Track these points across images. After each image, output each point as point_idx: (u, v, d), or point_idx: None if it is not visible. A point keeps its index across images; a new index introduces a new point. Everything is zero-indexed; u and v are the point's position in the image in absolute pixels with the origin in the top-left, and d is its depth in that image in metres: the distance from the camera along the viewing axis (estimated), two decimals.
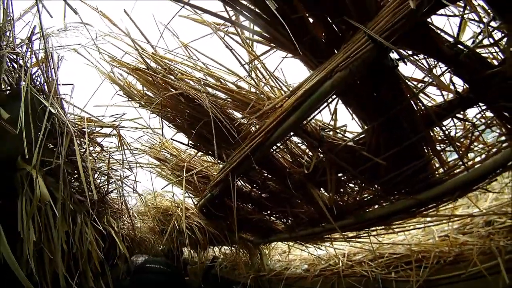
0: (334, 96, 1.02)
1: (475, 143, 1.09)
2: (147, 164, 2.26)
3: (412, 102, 0.98)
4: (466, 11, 0.87)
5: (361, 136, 1.16)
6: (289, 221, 1.86)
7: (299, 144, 1.37)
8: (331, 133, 1.22)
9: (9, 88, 1.39)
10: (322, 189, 1.44)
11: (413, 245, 1.51)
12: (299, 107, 0.99)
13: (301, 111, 0.99)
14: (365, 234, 1.55)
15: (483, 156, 1.06)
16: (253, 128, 1.34)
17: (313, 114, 1.08)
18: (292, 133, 1.20)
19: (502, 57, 0.90)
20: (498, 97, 0.91)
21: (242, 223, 1.95)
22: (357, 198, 1.40)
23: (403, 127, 1.02)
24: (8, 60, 1.37)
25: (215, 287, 3.19)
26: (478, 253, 1.15)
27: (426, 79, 0.98)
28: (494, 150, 1.04)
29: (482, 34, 0.88)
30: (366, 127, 1.12)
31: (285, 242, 2.29)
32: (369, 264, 1.59)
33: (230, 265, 3.00)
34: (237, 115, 1.41)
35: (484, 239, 1.22)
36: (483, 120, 1.04)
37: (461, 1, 0.84)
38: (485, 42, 0.89)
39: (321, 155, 1.26)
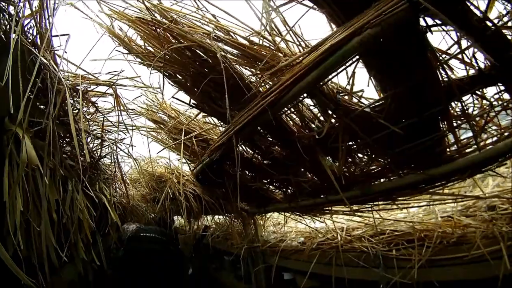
0: (357, 57, 0.95)
1: (490, 124, 1.07)
2: (143, 127, 2.16)
3: (437, 72, 0.93)
4: None
5: (378, 103, 1.09)
6: (290, 190, 1.80)
7: (311, 107, 1.28)
8: (346, 97, 1.14)
9: None
10: (329, 157, 1.36)
11: (416, 223, 1.48)
12: (321, 63, 0.90)
13: (323, 68, 0.91)
14: (368, 208, 1.50)
15: (495, 138, 1.05)
16: (262, 89, 1.25)
17: (333, 74, 1.00)
18: (306, 94, 1.12)
19: None
20: None
21: (239, 191, 1.88)
22: (365, 170, 1.35)
23: (423, 97, 0.98)
24: None
25: (206, 257, 3.17)
26: (481, 236, 1.15)
27: (451, 51, 0.93)
28: (506, 133, 1.03)
29: (508, 15, 0.86)
30: (384, 94, 1.06)
31: (282, 213, 2.23)
32: (369, 240, 1.56)
33: (222, 235, 2.96)
34: (246, 73, 1.30)
35: (487, 223, 1.21)
36: (500, 102, 1.01)
37: None
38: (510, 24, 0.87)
39: (334, 120, 1.19)
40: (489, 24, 0.81)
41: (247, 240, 2.33)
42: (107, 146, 1.92)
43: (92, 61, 1.46)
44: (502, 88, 0.97)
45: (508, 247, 1.03)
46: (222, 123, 1.67)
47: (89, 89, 1.56)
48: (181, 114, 1.99)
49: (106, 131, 1.85)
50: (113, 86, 1.57)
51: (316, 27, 1.08)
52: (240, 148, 1.54)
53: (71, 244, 1.37)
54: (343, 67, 0.97)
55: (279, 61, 1.11)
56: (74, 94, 1.41)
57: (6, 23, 1.24)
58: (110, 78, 1.56)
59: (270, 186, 1.93)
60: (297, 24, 1.09)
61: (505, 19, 0.87)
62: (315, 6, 0.96)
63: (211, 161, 1.57)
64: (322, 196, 1.55)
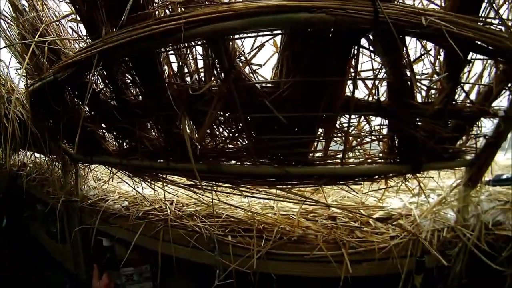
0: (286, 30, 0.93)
1: (359, 147, 1.19)
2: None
3: (348, 84, 1.00)
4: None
5: (271, 85, 1.05)
6: (127, 144, 1.57)
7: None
8: (241, 65, 1.04)
9: None
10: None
11: (256, 214, 1.47)
12: (255, 16, 0.81)
13: (253, 21, 0.82)
14: (208, 188, 1.41)
15: (359, 160, 1.19)
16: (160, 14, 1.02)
17: (252, 34, 0.94)
18: (206, 40, 0.97)
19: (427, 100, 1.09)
20: (405, 123, 1.05)
21: (70, 129, 1.55)
22: (219, 146, 1.26)
23: (318, 98, 1.00)
24: None
25: (17, 201, 2.62)
26: (323, 240, 1.23)
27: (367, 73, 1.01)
28: (369, 160, 1.18)
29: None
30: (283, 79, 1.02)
31: (108, 168, 1.93)
32: (202, 220, 1.47)
33: (38, 178, 2.49)
34: None
35: (329, 230, 1.30)
36: (377, 133, 1.16)
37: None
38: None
39: (215, 82, 1.08)
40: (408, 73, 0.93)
41: (65, 191, 1.96)
42: None
43: None
44: (386, 123, 1.10)
45: (350, 254, 1.17)
46: (87, 38, 1.31)
47: None
48: (46, 10, 1.54)
49: None
50: None
51: None
52: (94, 75, 1.25)
53: None
54: (267, 32, 0.93)
55: None
56: None
57: None
58: None
59: (106, 133, 1.65)
60: None
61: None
62: None
63: (55, 80, 1.25)
64: (161, 160, 1.39)
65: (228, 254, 1.30)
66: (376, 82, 1.00)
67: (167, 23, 0.88)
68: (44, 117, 1.71)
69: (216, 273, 1.31)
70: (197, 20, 0.85)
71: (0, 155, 2.68)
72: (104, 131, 1.63)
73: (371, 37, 0.87)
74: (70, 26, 1.46)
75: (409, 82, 0.97)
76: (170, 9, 1.00)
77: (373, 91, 1.02)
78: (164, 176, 1.52)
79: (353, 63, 0.92)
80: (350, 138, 1.14)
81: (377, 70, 0.97)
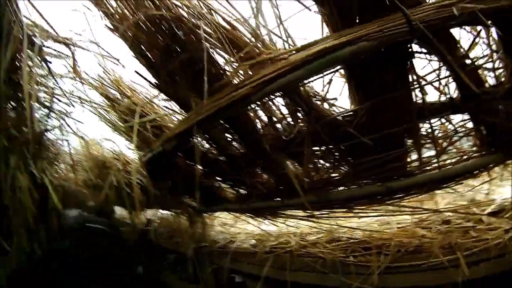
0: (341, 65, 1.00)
1: (451, 147, 1.19)
2: (95, 103, 1.98)
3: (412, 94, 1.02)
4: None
5: (349, 113, 1.13)
6: (243, 190, 1.74)
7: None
8: (319, 103, 1.13)
9: None
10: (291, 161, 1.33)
11: (373, 231, 1.50)
12: (308, 64, 0.92)
13: (310, 68, 0.92)
14: (325, 214, 1.49)
15: (454, 160, 1.17)
16: (236, 80, 1.18)
17: (315, 78, 1.02)
18: (282, 92, 1.10)
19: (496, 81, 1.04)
20: (482, 112, 1.04)
21: (188, 187, 1.78)
22: (325, 177, 1.34)
23: (395, 114, 1.06)
24: None
25: (149, 254, 3.00)
26: (438, 247, 1.20)
27: (429, 77, 1.03)
28: (465, 157, 1.16)
29: (485, 58, 1.01)
30: (358, 106, 1.10)
31: (232, 214, 2.14)
32: (325, 246, 1.53)
33: (167, 231, 2.82)
34: (219, 59, 1.21)
35: (443, 235, 1.27)
36: (463, 129, 1.15)
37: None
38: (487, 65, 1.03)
39: (302, 124, 1.18)
40: (468, 62, 0.96)
41: (194, 239, 2.21)
42: (55, 118, 1.73)
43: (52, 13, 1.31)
44: (467, 117, 1.11)
45: (465, 256, 1.11)
46: (181, 111, 1.56)
47: (45, 44, 1.38)
48: (137, 95, 1.84)
49: (56, 99, 1.68)
50: (72, 47, 1.41)
51: (303, 28, 1.09)
52: (196, 140, 1.44)
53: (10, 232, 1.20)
54: (327, 72, 1.00)
55: (261, 53, 1.07)
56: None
57: None
58: (69, 37, 1.41)
59: (222, 184, 1.85)
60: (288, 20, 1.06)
61: (482, 61, 1.01)
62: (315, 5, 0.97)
63: (163, 150, 1.47)
64: (276, 199, 1.52)
65: (351, 274, 1.33)
66: (443, 81, 1.03)
67: (243, 88, 1.03)
68: (162, 179, 1.98)
69: None
70: (264, 81, 0.98)
71: (130, 215, 3.11)
72: (219, 182, 1.84)
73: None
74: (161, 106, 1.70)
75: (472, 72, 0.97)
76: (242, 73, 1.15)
77: (443, 90, 1.05)
78: (283, 212, 1.65)
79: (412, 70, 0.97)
80: (439, 141, 1.15)
81: (438, 70, 1.00)
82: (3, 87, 1.08)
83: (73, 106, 1.68)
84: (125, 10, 1.28)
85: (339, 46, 0.86)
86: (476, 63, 1.00)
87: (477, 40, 0.98)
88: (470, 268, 1.11)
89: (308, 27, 1.07)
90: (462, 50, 0.94)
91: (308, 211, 1.44)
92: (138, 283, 2.74)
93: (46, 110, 1.68)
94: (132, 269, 2.52)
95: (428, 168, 1.17)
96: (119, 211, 3.65)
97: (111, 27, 1.35)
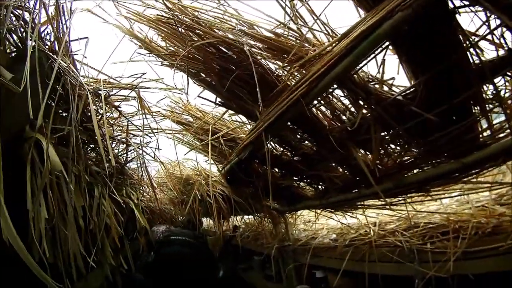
0: (387, 43, 0.95)
1: None
2: (168, 130, 2.16)
3: (467, 55, 0.92)
4: None
5: (409, 90, 1.08)
6: (321, 186, 1.78)
7: (341, 98, 1.25)
8: (377, 86, 1.12)
9: (14, 49, 1.24)
10: (361, 150, 1.35)
11: (450, 214, 1.44)
12: (352, 51, 0.90)
13: (354, 56, 0.90)
14: (401, 201, 1.47)
15: None
16: (291, 82, 1.22)
17: (364, 63, 1.00)
18: (337, 84, 1.10)
19: None
20: None
21: (268, 190, 1.86)
22: (398, 161, 1.31)
23: (454, 82, 0.97)
24: (13, 17, 1.19)
25: (235, 258, 3.17)
26: None
27: (479, 32, 0.91)
28: None
29: None
30: (415, 81, 1.04)
31: (313, 210, 2.20)
32: (403, 234, 1.53)
33: (252, 235, 2.96)
34: (272, 67, 1.28)
35: None
36: None
37: None
38: None
39: (365, 111, 1.17)
40: None
41: (278, 239, 2.32)
42: (133, 151, 1.92)
43: (113, 65, 1.47)
44: None
45: None
46: (250, 121, 1.66)
47: (111, 93, 1.56)
48: (207, 114, 1.99)
49: (131, 135, 1.85)
50: (136, 89, 1.57)
51: (342, 16, 1.07)
52: (269, 145, 1.51)
53: (98, 250, 1.36)
54: (374, 54, 0.97)
55: (307, 52, 1.10)
56: (97, 99, 1.41)
57: (22, 30, 1.23)
58: (132, 81, 1.57)
59: (300, 183, 1.91)
60: (323, 13, 1.07)
61: None
62: None
63: (239, 160, 1.57)
64: (353, 191, 1.53)
65: (427, 262, 1.30)
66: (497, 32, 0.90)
67: (298, 90, 1.06)
68: (242, 187, 2.09)
69: (415, 283, 1.33)
70: (315, 78, 1.00)
71: (214, 224, 3.30)
72: (297, 182, 1.90)
73: None
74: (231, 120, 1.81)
75: None
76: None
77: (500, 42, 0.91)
78: (362, 203, 1.66)
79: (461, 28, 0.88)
80: (508, 102, 1.03)
81: (487, 21, 0.87)
82: (79, 134, 1.22)
83: (149, 137, 1.82)
84: (173, 48, 1.40)
85: (376, 24, 0.83)
86: None
87: None
88: None
89: (344, 14, 1.05)
90: None
91: (384, 199, 1.43)
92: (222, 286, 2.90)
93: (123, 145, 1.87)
94: (214, 274, 2.67)
95: (501, 135, 1.05)
96: (206, 221, 3.89)
97: (167, 63, 1.47)
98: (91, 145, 1.61)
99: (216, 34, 1.20)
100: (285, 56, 1.16)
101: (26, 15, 1.23)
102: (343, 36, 0.96)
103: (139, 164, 2.04)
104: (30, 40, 1.12)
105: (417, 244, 1.39)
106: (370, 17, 0.87)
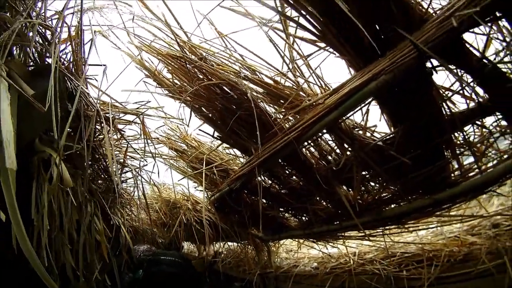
0: (371, 98, 1.11)
1: (489, 149, 1.22)
2: (165, 156, 2.29)
3: (441, 107, 1.10)
4: (492, 31, 0.99)
5: (389, 137, 1.25)
6: (305, 217, 1.92)
7: (329, 141, 1.42)
8: (360, 132, 1.29)
9: (32, 64, 1.33)
10: (344, 186, 1.51)
11: (425, 244, 1.57)
12: (342, 104, 1.08)
13: (343, 108, 1.08)
14: (380, 233, 1.63)
15: (496, 161, 1.21)
16: (286, 125, 1.38)
17: (351, 113, 1.16)
18: (325, 130, 1.27)
19: None
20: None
21: (255, 219, 1.99)
22: (376, 197, 1.48)
23: (429, 130, 1.14)
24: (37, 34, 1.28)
25: (216, 283, 3.24)
26: (486, 252, 1.24)
27: (453, 87, 1.09)
28: (505, 156, 1.18)
29: (504, 51, 1.01)
30: (395, 129, 1.22)
31: (295, 240, 2.33)
32: (380, 262, 1.64)
33: (234, 261, 3.04)
34: (268, 109, 1.44)
35: (492, 240, 1.31)
36: (498, 128, 1.18)
37: (489, 22, 0.95)
38: (506, 59, 1.02)
39: (349, 153, 1.33)
40: (487, 62, 0.97)
41: (260, 266, 2.42)
42: (129, 171, 2.02)
43: (119, 89, 1.59)
44: (500, 116, 1.13)
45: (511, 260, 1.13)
46: (244, 155, 1.80)
47: (117, 116, 1.67)
48: (202, 145, 2.13)
49: (128, 157, 1.97)
50: (140, 116, 1.68)
51: (334, 68, 1.25)
52: (259, 178, 1.65)
53: (87, 264, 1.44)
54: (360, 106, 1.13)
55: (302, 100, 1.28)
56: (101, 120, 1.50)
57: (42, 46, 1.33)
58: (137, 108, 1.68)
59: (286, 214, 2.04)
60: (318, 67, 1.24)
61: (501, 54, 1.02)
62: (336, 54, 1.12)
63: (230, 190, 1.70)
64: (335, 222, 1.67)
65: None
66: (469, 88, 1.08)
67: (291, 133, 1.23)
68: (229, 214, 2.21)
69: None
70: (308, 125, 1.17)
71: (198, 249, 3.38)
72: (283, 213, 2.04)
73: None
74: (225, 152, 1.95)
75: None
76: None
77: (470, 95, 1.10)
78: (342, 234, 1.81)
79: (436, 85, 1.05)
80: (477, 145, 1.22)
81: (460, 79, 1.03)
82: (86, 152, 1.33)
83: (145, 160, 1.93)
84: (179, 82, 1.56)
85: (363, 85, 1.01)
86: (495, 59, 1.00)
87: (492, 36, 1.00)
88: None
89: (340, 68, 1.22)
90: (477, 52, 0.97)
91: (364, 231, 1.57)
92: None
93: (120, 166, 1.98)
94: None
95: (470, 174, 1.23)
96: (186, 245, 3.96)
97: (171, 95, 1.62)
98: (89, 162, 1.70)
99: (221, 76, 1.36)
100: (282, 101, 1.33)
101: (48, 33, 1.33)
102: (334, 91, 1.14)
103: (133, 185, 2.14)
104: (51, 58, 1.20)
105: (394, 272, 1.50)
106: (358, 77, 1.05)
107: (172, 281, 2.47)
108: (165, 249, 3.44)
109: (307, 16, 1.04)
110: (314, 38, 1.11)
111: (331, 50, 1.13)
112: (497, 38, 1.00)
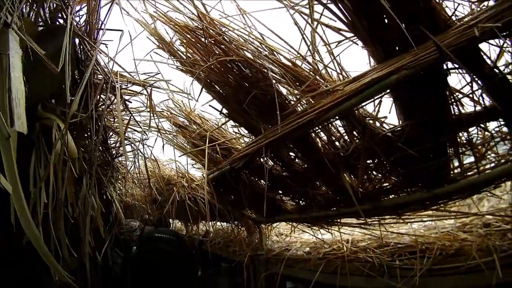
0: (388, 90, 1.17)
1: (489, 152, 1.29)
2: (167, 130, 2.29)
3: (451, 107, 1.16)
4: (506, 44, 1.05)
5: (398, 129, 1.30)
6: (302, 202, 1.97)
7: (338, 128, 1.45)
8: (371, 121, 1.33)
9: (41, 23, 1.31)
10: (348, 173, 1.55)
11: (419, 236, 1.62)
12: (361, 93, 1.12)
13: (362, 97, 1.12)
14: (376, 222, 1.68)
15: (494, 164, 1.27)
16: (299, 109, 1.41)
17: (368, 102, 1.20)
18: (339, 117, 1.31)
19: None
20: None
21: (252, 200, 2.03)
22: (377, 186, 1.53)
23: (437, 126, 1.20)
24: None
25: (204, 261, 3.29)
26: (477, 249, 1.30)
27: (463, 90, 1.15)
28: (503, 160, 1.25)
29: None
30: (404, 122, 1.26)
31: (290, 223, 2.37)
32: (374, 251, 1.68)
33: (223, 241, 3.08)
34: (283, 90, 1.46)
35: (482, 238, 1.37)
36: (499, 134, 1.24)
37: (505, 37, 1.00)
38: None
39: (358, 141, 1.38)
40: (497, 71, 1.04)
41: (251, 248, 2.45)
42: (128, 145, 2.02)
43: (125, 59, 1.56)
44: (502, 122, 1.20)
45: (501, 258, 1.18)
46: (249, 135, 1.82)
47: (124, 86, 1.65)
48: (206, 122, 2.13)
49: (129, 130, 1.95)
50: (148, 88, 1.67)
51: (351, 58, 1.30)
52: (265, 158, 1.68)
53: (80, 240, 1.41)
54: (378, 97, 1.19)
55: (319, 85, 1.30)
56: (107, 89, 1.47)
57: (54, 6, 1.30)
58: (145, 79, 1.67)
59: (283, 197, 2.08)
60: (338, 56, 1.27)
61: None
62: (361, 44, 1.16)
63: (231, 169, 1.73)
64: (333, 208, 1.73)
65: (396, 277, 1.45)
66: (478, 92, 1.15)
67: (306, 116, 1.26)
68: (226, 194, 2.23)
69: None
70: (325, 109, 1.21)
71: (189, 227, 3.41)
72: (281, 195, 2.08)
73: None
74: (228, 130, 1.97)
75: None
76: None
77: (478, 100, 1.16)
78: (338, 220, 1.86)
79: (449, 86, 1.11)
80: (478, 147, 1.28)
81: (471, 83, 1.11)
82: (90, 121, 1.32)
83: (146, 134, 1.93)
84: (194, 56, 1.56)
85: (384, 76, 1.05)
86: (504, 70, 1.07)
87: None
88: (505, 270, 1.15)
89: (357, 58, 1.27)
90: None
91: (364, 219, 1.63)
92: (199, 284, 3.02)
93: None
94: (193, 273, 2.80)
95: (469, 173, 1.30)
96: (174, 223, 3.99)
97: (183, 69, 1.62)
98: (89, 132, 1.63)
99: (240, 53, 1.38)
100: (297, 84, 1.35)
101: None
102: (354, 79, 1.18)
103: (130, 159, 2.14)
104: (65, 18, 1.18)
105: (387, 261, 1.53)
106: (379, 68, 1.10)
107: (165, 258, 2.51)
108: (154, 225, 3.49)
109: (339, 5, 1.07)
110: (339, 26, 1.15)
111: (354, 39, 1.17)
112: (509, 52, 1.07)
